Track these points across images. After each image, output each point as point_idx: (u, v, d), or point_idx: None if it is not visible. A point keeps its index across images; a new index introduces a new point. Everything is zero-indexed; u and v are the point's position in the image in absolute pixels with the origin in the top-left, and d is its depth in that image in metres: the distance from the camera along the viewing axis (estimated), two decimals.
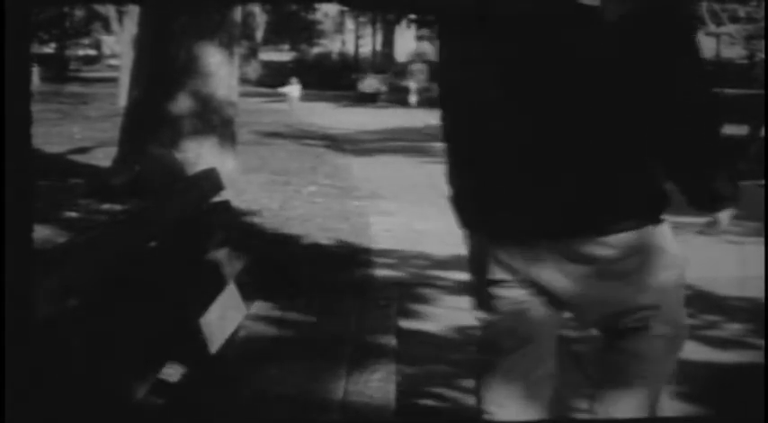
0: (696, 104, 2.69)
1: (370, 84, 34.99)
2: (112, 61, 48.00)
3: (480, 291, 2.96)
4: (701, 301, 6.27)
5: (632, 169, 2.70)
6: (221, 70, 11.05)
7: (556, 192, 2.67)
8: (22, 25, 1.88)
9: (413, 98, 32.44)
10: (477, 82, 2.74)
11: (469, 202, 2.90)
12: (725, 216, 2.90)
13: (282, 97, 29.88)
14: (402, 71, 37.24)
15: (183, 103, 10.76)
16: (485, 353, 3.03)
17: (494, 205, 2.79)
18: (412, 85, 32.99)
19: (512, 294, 2.87)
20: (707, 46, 44.18)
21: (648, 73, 2.60)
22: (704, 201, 2.87)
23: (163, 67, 10.84)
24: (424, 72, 34.47)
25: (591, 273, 2.74)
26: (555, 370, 3.07)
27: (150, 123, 10.58)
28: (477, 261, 2.95)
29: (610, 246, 2.70)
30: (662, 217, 2.82)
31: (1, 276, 1.86)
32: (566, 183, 2.66)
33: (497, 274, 2.86)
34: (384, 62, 39.69)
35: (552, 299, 2.87)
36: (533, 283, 2.82)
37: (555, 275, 2.76)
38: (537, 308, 2.89)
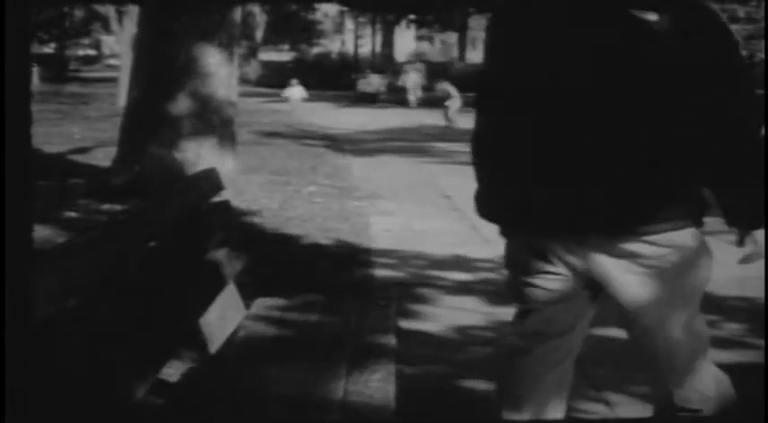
0: (744, 123, 2.83)
1: (369, 83, 34.60)
2: (112, 61, 47.93)
3: (518, 283, 3.16)
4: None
5: (676, 174, 2.84)
6: (221, 70, 11.06)
7: (601, 191, 2.82)
8: (22, 25, 1.88)
9: (411, 98, 32.21)
10: (531, 84, 2.89)
11: (513, 198, 3.01)
12: (759, 237, 2.99)
13: (284, 99, 29.64)
14: (399, 71, 37.06)
15: (182, 104, 10.76)
16: (521, 339, 3.24)
17: (541, 202, 2.92)
18: (409, 84, 32.78)
19: (556, 286, 3.06)
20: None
21: (698, 88, 2.77)
22: (744, 218, 2.98)
23: (162, 67, 10.85)
24: (422, 71, 34.19)
25: (633, 269, 2.91)
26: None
27: (150, 123, 10.59)
28: (515, 255, 3.16)
29: (652, 244, 2.87)
30: (701, 220, 2.98)
31: (1, 276, 1.86)
32: (610, 182, 2.81)
33: (541, 266, 3.05)
34: (383, 62, 39.47)
35: (594, 292, 3.10)
36: (581, 277, 3.02)
37: (600, 270, 2.94)
38: (579, 300, 3.12)
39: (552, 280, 3.05)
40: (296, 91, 29.63)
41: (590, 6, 2.82)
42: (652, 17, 2.72)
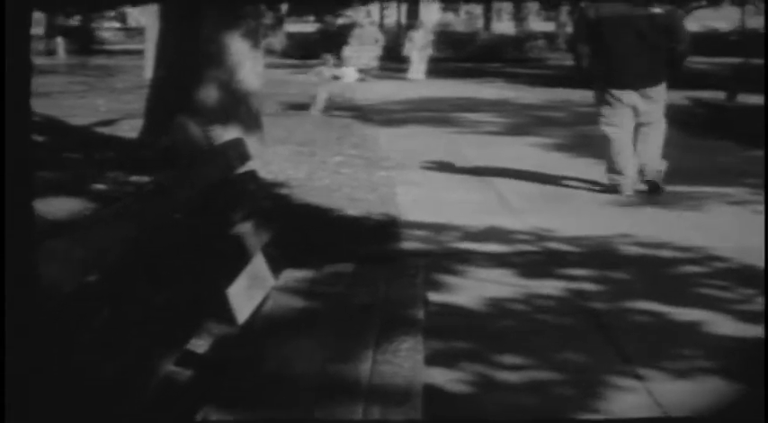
0: (685, 50, 9.05)
1: (358, 57, 28.82)
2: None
3: (614, 106, 9.06)
4: (732, 273, 6.22)
5: (665, 67, 9.00)
6: (246, 55, 11.05)
7: (645, 73, 8.93)
8: (23, 25, 1.85)
9: (415, 72, 28.79)
10: (623, 35, 8.84)
11: (617, 77, 8.96)
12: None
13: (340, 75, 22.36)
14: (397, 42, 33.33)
15: (207, 86, 10.76)
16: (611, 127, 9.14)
17: (625, 78, 8.96)
18: (414, 55, 29.10)
19: (623, 109, 9.02)
20: (731, 16, 43.86)
21: (672, 36, 8.95)
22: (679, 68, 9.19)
23: (188, 43, 10.83)
24: (429, 39, 30.27)
25: (649, 98, 9.00)
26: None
27: (176, 99, 10.57)
28: (614, 97, 9.05)
29: (656, 90, 9.06)
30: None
31: (1, 271, 1.83)
32: (647, 70, 8.91)
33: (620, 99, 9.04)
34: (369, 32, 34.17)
35: (636, 111, 9.05)
36: (632, 107, 9.03)
37: (638, 100, 9.00)
38: (630, 114, 9.05)
39: (624, 106, 8.99)
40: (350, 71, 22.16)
41: (636, 6, 8.85)
42: (657, 10, 8.85)
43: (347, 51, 28.63)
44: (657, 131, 9.08)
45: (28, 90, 1.88)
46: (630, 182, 9.03)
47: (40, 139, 12.46)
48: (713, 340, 4.99)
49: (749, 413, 3.78)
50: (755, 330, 5.04)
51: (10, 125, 1.79)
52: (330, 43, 34.07)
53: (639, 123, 9.02)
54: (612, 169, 9.09)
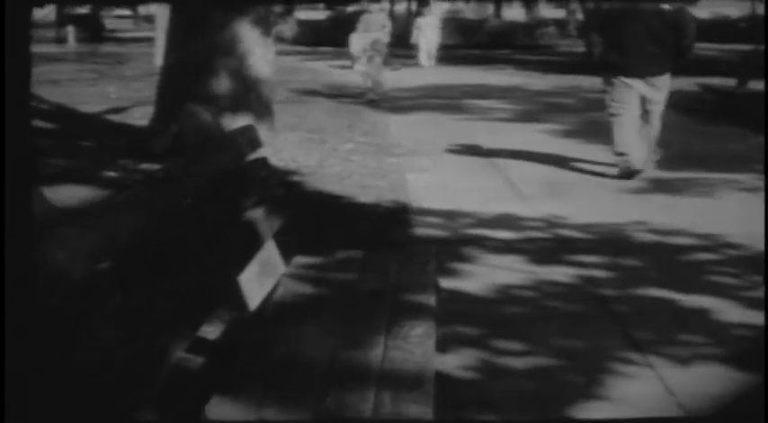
0: (690, 42, 9.34)
1: (358, 46, 23.99)
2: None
3: (621, 89, 9.35)
4: (743, 260, 6.20)
5: (671, 58, 9.35)
6: (257, 44, 11.00)
7: (653, 63, 9.26)
8: (23, 25, 1.85)
9: (424, 59, 28.24)
10: (634, 29, 9.20)
11: (626, 66, 9.29)
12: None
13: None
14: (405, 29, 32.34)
15: (218, 66, 10.73)
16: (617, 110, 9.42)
17: (634, 67, 9.30)
18: (422, 44, 28.48)
19: (631, 94, 9.27)
20: (742, 3, 43.89)
21: (679, 31, 9.26)
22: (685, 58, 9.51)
23: (198, 30, 10.79)
24: (438, 26, 29.57)
25: (654, 86, 9.33)
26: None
27: (186, 86, 10.55)
28: (622, 83, 9.32)
29: (662, 79, 9.38)
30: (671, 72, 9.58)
31: (2, 271, 1.83)
32: (655, 60, 9.25)
33: (630, 87, 9.32)
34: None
35: (642, 98, 9.36)
36: (639, 94, 9.34)
37: (646, 87, 9.31)
38: (637, 100, 9.32)
39: (631, 92, 9.28)
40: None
41: (648, 6, 9.27)
42: (667, 6, 9.21)
43: (354, 38, 27.39)
44: (657, 120, 9.45)
45: (28, 89, 1.88)
46: (638, 161, 9.19)
47: (50, 126, 12.48)
48: (724, 327, 4.98)
49: (761, 401, 3.76)
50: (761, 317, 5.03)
51: (10, 125, 1.79)
52: (340, 30, 33.60)
53: (644, 110, 9.34)
54: (620, 151, 9.27)
